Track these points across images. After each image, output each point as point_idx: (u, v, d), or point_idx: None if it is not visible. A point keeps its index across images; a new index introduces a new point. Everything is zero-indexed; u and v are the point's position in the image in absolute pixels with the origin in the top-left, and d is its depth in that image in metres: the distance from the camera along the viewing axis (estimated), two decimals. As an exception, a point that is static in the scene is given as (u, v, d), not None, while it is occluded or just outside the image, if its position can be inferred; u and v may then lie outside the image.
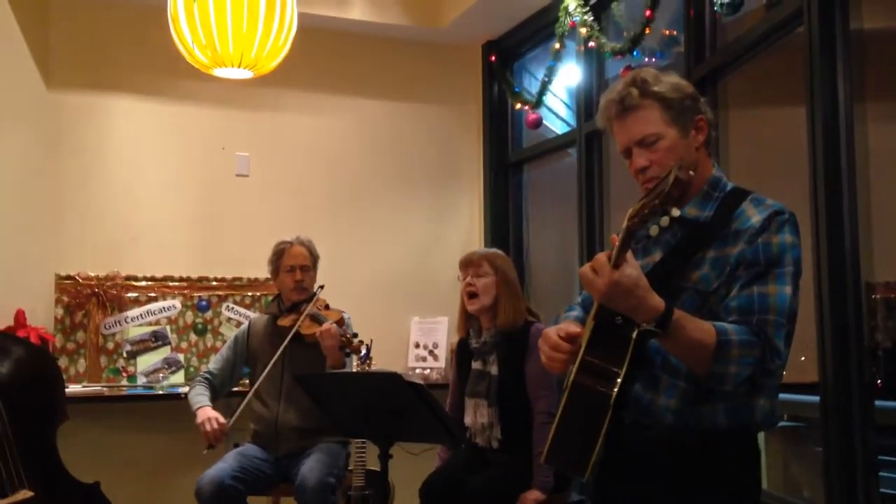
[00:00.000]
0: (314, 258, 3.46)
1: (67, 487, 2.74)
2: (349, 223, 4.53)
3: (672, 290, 1.68)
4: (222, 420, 3.14)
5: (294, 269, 3.39)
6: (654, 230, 1.81)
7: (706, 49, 3.22)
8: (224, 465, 3.11)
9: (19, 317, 3.74)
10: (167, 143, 4.27)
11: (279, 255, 3.43)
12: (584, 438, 1.60)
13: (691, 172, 1.65)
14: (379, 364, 3.28)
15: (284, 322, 3.33)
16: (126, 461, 3.79)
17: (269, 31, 3.18)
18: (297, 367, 3.21)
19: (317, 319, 3.27)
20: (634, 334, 1.62)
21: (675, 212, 1.76)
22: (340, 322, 3.28)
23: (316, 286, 3.42)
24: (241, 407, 3.19)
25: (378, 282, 4.52)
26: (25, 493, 2.55)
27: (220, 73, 3.34)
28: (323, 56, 4.45)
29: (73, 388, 3.72)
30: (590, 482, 1.71)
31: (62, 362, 3.88)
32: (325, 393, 2.77)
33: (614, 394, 1.59)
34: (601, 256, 1.59)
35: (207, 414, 3.16)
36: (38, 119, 3.99)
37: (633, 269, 1.57)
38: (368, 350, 3.15)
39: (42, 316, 3.90)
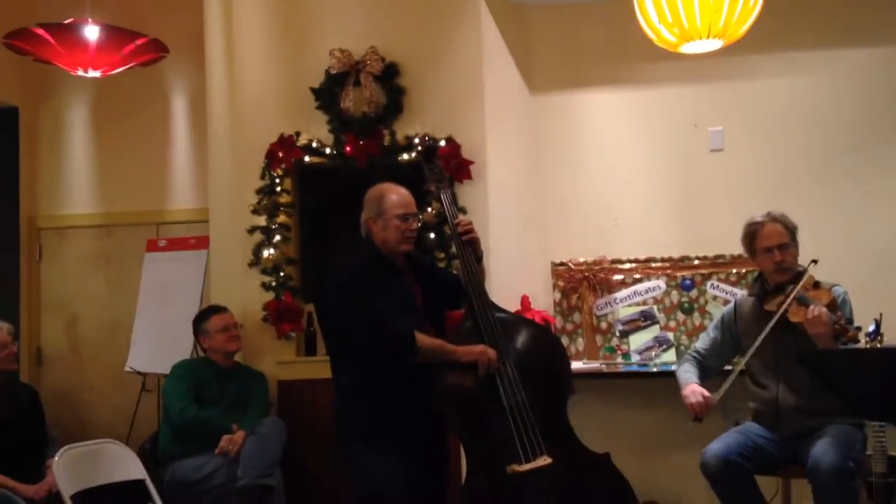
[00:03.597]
0: (791, 232, 3.19)
1: (581, 456, 2.94)
2: (841, 188, 4.13)
3: None
4: (707, 394, 3.11)
5: (771, 249, 3.16)
6: None
7: None
8: (727, 440, 3.09)
9: (524, 302, 4.20)
10: (639, 127, 4.39)
11: (751, 236, 3.24)
12: None
13: None
14: (892, 340, 2.92)
15: (770, 306, 3.13)
16: (628, 434, 3.97)
17: (738, -5, 3.05)
18: (787, 350, 3.02)
19: (804, 302, 3.02)
20: None
21: None
22: (832, 304, 2.97)
23: (808, 263, 3.15)
24: (728, 383, 3.11)
25: (881, 250, 4.04)
26: (546, 459, 2.80)
27: (687, 48, 3.31)
28: (798, 9, 4.12)
29: (574, 365, 4.03)
30: None
31: (563, 341, 4.23)
32: (832, 372, 2.56)
33: None
34: None
35: (693, 388, 3.16)
36: (524, 122, 4.43)
37: None
38: (878, 325, 2.82)
39: (542, 300, 4.31)
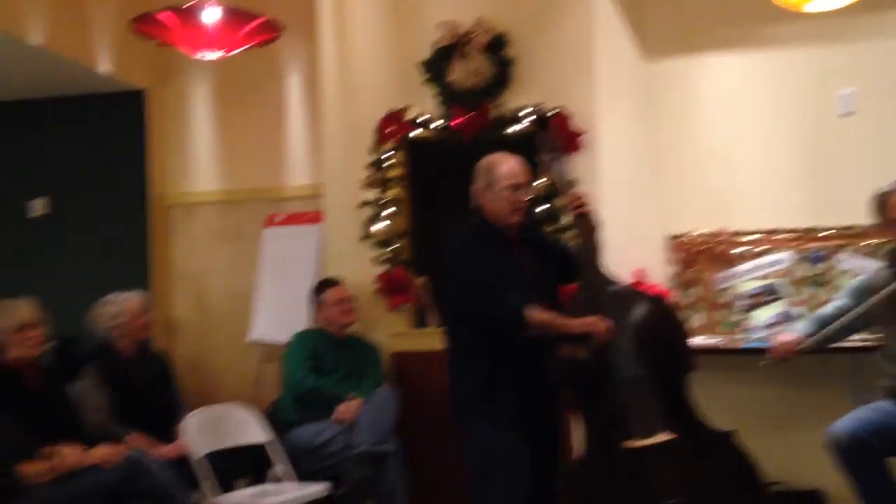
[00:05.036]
0: None
1: (704, 434, 2.86)
2: None
3: None
4: (797, 337, 3.10)
5: None
6: None
7: None
8: (856, 416, 2.95)
9: (639, 275, 4.09)
10: (761, 92, 4.17)
11: (881, 207, 3.08)
12: None
13: None
14: None
15: None
16: (756, 412, 3.82)
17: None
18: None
19: None
20: None
21: None
22: None
23: None
24: (821, 335, 3.05)
25: None
26: (665, 436, 2.75)
27: (811, 7, 3.14)
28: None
29: (694, 341, 3.91)
30: None
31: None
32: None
33: None
34: None
35: (786, 335, 3.18)
36: (637, 89, 4.28)
37: None
38: None
39: (658, 274, 4.18)
